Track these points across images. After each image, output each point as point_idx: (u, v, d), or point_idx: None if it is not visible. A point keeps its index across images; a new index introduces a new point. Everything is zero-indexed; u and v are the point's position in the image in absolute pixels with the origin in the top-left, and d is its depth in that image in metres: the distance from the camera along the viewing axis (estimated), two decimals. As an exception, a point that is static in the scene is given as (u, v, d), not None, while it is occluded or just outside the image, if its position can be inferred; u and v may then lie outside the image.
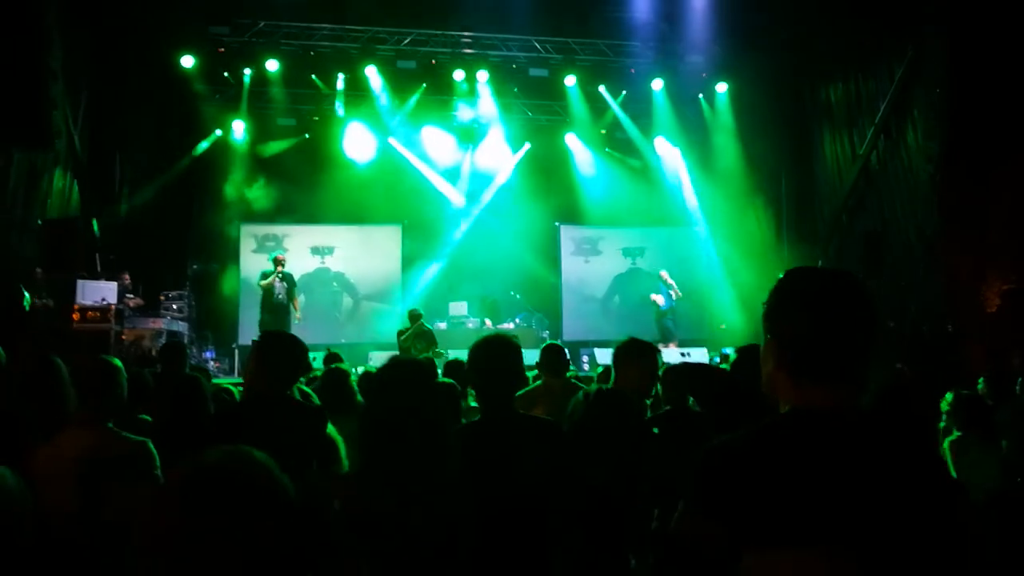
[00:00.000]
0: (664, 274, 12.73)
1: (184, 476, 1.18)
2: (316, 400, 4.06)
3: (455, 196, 14.34)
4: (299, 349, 3.41)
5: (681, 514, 1.47)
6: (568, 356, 4.84)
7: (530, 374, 5.39)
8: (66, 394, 3.33)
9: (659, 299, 12.55)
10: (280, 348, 3.35)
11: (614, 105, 14.42)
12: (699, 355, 10.89)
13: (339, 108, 13.57)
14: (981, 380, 4.90)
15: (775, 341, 1.48)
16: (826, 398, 1.41)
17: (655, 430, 3.41)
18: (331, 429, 3.59)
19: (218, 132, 13.30)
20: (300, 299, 11.75)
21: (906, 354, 9.28)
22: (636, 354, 3.52)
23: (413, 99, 13.78)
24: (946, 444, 4.14)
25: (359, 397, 4.40)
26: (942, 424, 4.61)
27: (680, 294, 12.61)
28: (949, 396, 4.30)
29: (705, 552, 1.42)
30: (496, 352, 2.70)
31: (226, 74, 13.06)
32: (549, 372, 4.56)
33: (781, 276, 1.53)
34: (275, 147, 13.77)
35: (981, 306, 9.57)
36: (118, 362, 3.18)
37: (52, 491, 2.75)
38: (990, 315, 9.47)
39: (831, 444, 1.37)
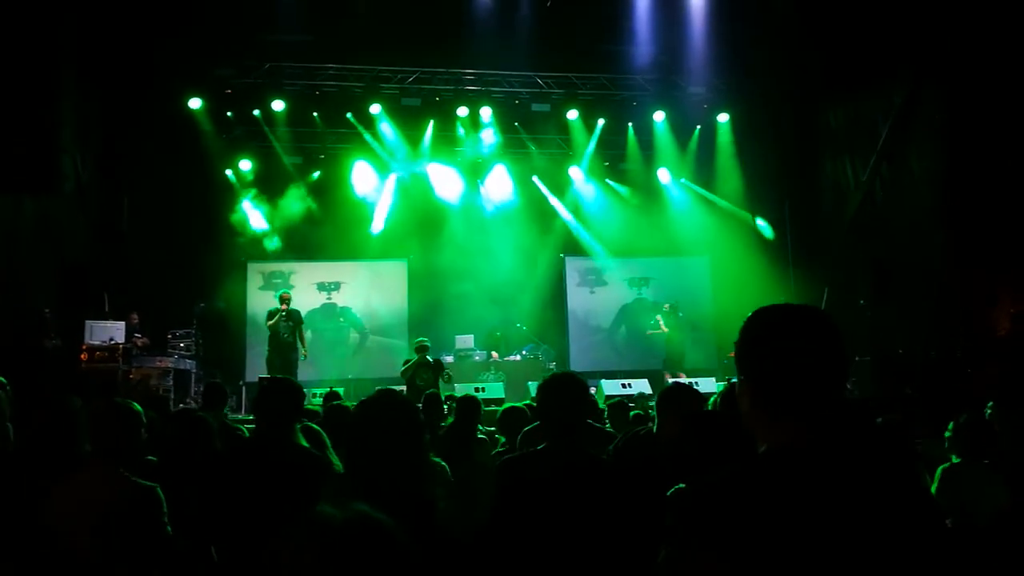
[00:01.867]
0: (667, 307, 12.86)
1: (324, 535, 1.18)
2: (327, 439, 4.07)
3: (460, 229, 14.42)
4: (295, 395, 3.46)
5: (664, 554, 1.45)
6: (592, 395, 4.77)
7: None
8: (79, 436, 3.35)
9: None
10: (276, 394, 3.41)
11: (616, 137, 14.58)
12: (707, 385, 10.82)
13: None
14: (990, 405, 4.84)
15: (748, 380, 1.48)
16: (802, 435, 1.40)
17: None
18: (339, 465, 3.60)
19: (228, 172, 13.48)
20: (307, 335, 11.77)
21: (915, 380, 9.22)
22: (681, 401, 3.36)
23: (421, 137, 13.97)
24: (939, 472, 4.05)
25: None
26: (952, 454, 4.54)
27: (666, 330, 12.62)
28: (950, 424, 4.25)
29: None
30: (564, 391, 2.80)
31: (233, 115, 13.24)
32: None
33: (749, 316, 1.53)
34: (281, 185, 13.90)
35: (991, 330, 9.52)
36: (137, 407, 3.20)
37: (65, 534, 2.75)
38: (1000, 339, 9.42)
39: (810, 484, 1.36)
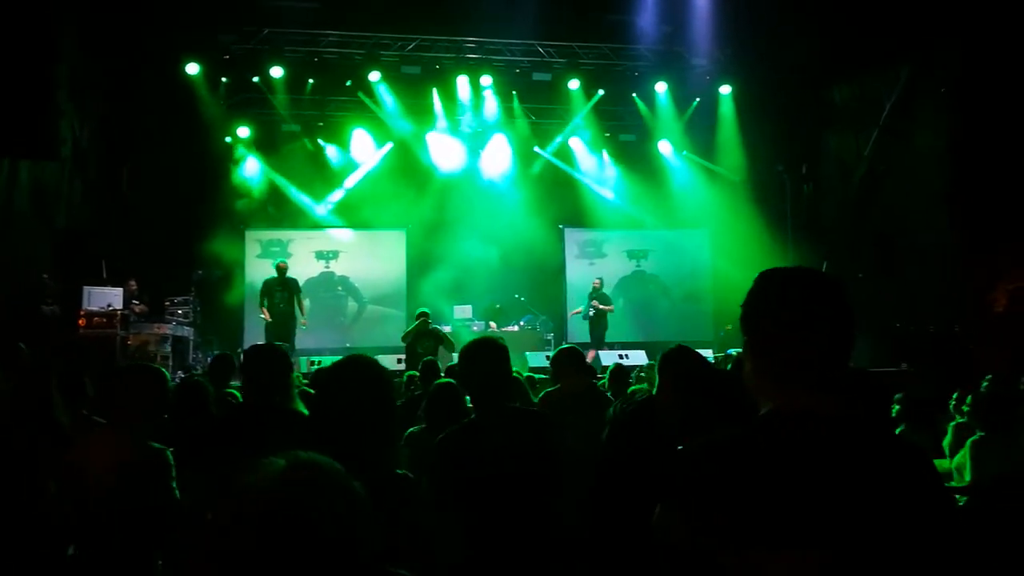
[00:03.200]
0: (596, 282, 12.81)
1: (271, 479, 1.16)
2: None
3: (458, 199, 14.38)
4: (281, 363, 3.46)
5: (659, 513, 1.46)
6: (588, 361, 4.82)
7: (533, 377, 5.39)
8: (53, 405, 3.37)
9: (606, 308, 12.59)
10: (261, 362, 3.41)
11: (617, 108, 14.47)
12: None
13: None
14: (986, 380, 4.86)
15: (753, 342, 1.47)
16: (806, 399, 1.39)
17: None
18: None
19: (227, 139, 13.39)
20: (306, 303, 11.78)
21: (912, 354, 9.25)
22: (683, 362, 3.43)
23: (421, 105, 13.86)
24: (968, 444, 4.10)
25: None
26: (957, 421, 4.58)
27: (606, 309, 12.60)
28: (968, 398, 4.28)
29: (681, 551, 1.40)
30: (485, 352, 2.85)
31: (232, 81, 13.11)
32: (565, 375, 4.50)
33: (756, 277, 1.50)
34: (280, 153, 13.84)
35: (989, 306, 9.54)
36: (164, 370, 3.22)
37: (80, 492, 2.78)
38: (997, 315, 9.44)
39: (811, 445, 1.35)
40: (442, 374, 5.94)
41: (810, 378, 1.40)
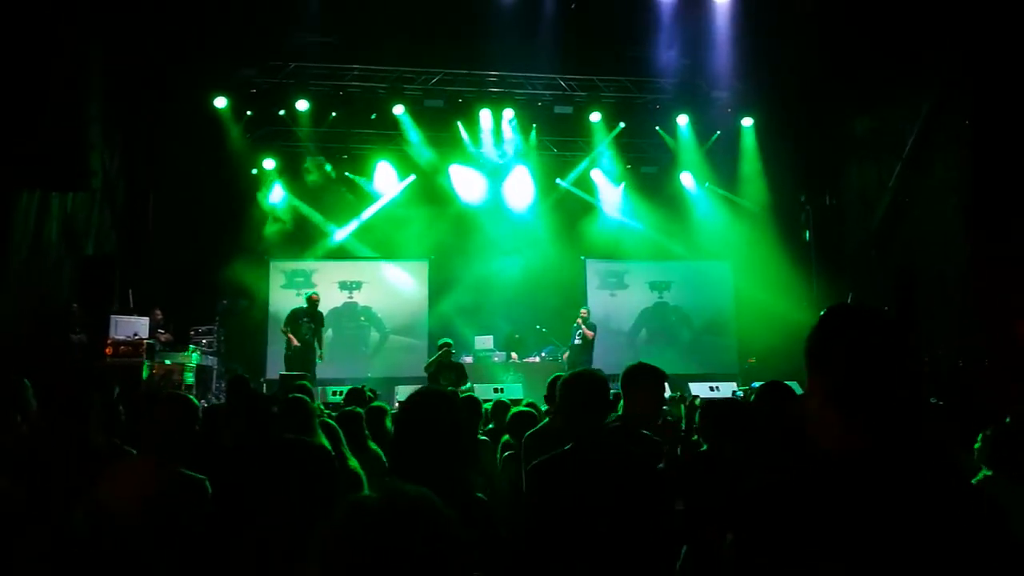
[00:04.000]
0: (584, 312, 12.41)
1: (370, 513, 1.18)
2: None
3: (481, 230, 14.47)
4: (262, 402, 3.50)
5: (730, 544, 1.44)
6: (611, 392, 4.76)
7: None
8: (92, 429, 3.40)
9: (588, 333, 12.28)
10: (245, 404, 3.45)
11: (639, 140, 14.55)
12: (728, 390, 10.75)
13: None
14: (1009, 418, 4.73)
15: (822, 378, 1.45)
16: (876, 440, 1.39)
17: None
18: (354, 463, 3.62)
19: (253, 171, 13.63)
20: (328, 334, 11.86)
21: (940, 389, 9.08)
22: (643, 379, 3.48)
23: (444, 138, 14.04)
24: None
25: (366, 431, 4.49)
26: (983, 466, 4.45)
27: (591, 335, 12.27)
28: (979, 436, 4.16)
29: None
30: (588, 386, 2.87)
31: (258, 114, 13.36)
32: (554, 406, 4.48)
33: (824, 312, 1.50)
34: (305, 184, 14.05)
35: (1017, 339, 9.36)
36: (194, 400, 3.25)
37: (114, 521, 2.79)
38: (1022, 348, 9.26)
39: (882, 488, 1.35)
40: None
41: (880, 418, 1.40)
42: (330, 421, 4.37)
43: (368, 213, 14.29)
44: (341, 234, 14.25)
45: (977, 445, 4.03)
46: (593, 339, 12.30)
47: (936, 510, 1.33)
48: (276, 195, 13.90)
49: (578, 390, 2.84)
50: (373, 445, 4.50)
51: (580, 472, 2.67)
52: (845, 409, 1.41)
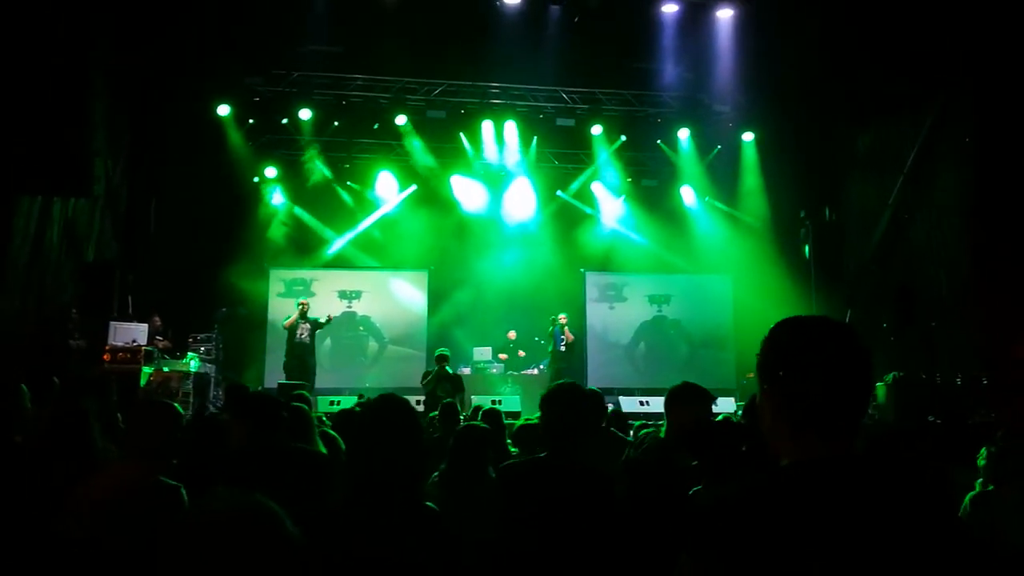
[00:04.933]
0: (562, 318, 12.34)
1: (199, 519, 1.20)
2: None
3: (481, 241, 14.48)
4: (272, 405, 3.50)
5: (682, 562, 1.43)
6: (606, 404, 4.78)
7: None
8: (92, 435, 3.38)
9: (570, 336, 12.19)
10: (255, 406, 3.45)
11: (640, 154, 14.60)
12: (727, 404, 10.73)
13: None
14: (999, 434, 4.71)
15: (774, 393, 1.45)
16: (828, 449, 1.39)
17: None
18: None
19: (255, 179, 13.65)
20: (326, 343, 11.88)
21: (940, 405, 9.08)
22: (687, 398, 3.44)
23: (446, 148, 14.09)
24: (967, 499, 3.97)
25: None
26: (979, 481, 4.44)
27: (572, 339, 12.25)
28: (982, 450, 4.15)
29: None
30: (566, 401, 2.88)
31: (260, 122, 13.40)
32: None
33: (774, 325, 1.50)
34: (306, 193, 14.08)
35: (1017, 357, 9.35)
36: (178, 407, 3.22)
37: (88, 529, 2.77)
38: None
39: (832, 496, 1.34)
40: (461, 417, 5.93)
41: (829, 427, 1.40)
42: (330, 431, 4.37)
43: (368, 222, 14.32)
44: (341, 243, 14.28)
45: (981, 462, 4.03)
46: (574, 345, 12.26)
47: (889, 519, 1.32)
48: (277, 207, 13.90)
49: (554, 402, 2.87)
50: None
51: (544, 480, 2.71)
52: (792, 422, 1.41)
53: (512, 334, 13.30)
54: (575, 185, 14.90)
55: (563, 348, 12.18)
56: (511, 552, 2.64)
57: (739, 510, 1.36)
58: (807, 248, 13.50)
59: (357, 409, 5.21)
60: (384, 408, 2.29)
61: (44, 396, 4.38)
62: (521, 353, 13.31)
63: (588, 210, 14.97)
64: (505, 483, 2.79)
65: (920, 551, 1.31)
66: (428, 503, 2.27)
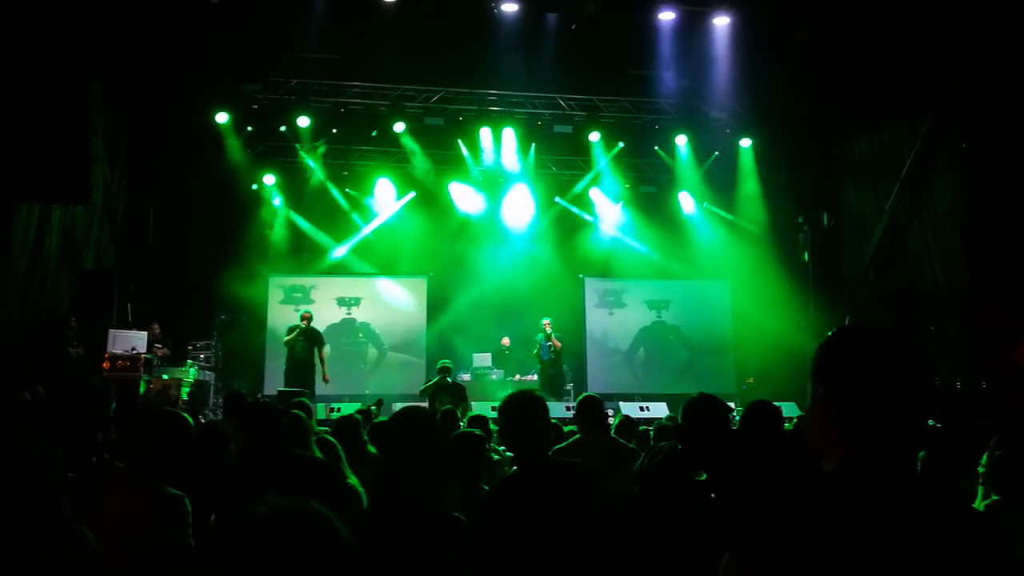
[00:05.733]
0: (546, 324, 12.35)
1: (244, 528, 1.17)
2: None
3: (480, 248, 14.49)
4: (272, 414, 3.51)
5: (726, 562, 1.44)
6: (607, 410, 4.77)
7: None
8: (87, 445, 3.38)
9: (557, 344, 12.18)
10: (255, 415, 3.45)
11: (638, 160, 14.64)
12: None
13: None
14: (994, 440, 4.70)
15: (827, 398, 1.46)
16: (877, 458, 1.40)
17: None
18: (353, 480, 3.62)
19: (253, 187, 13.66)
20: (327, 350, 11.81)
21: (938, 411, 9.07)
22: (704, 410, 3.43)
23: (444, 155, 14.13)
24: (981, 507, 3.98)
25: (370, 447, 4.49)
26: (981, 487, 4.44)
27: (560, 346, 12.25)
28: (983, 458, 4.15)
29: None
30: (527, 405, 2.87)
31: (259, 130, 13.42)
32: (587, 426, 4.46)
33: (835, 330, 1.53)
34: (305, 200, 14.09)
35: (1015, 362, 9.37)
36: (187, 417, 3.19)
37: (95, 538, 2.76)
38: (1022, 372, 9.26)
39: (882, 504, 1.35)
40: (462, 424, 5.93)
41: (877, 437, 1.41)
42: (328, 437, 4.37)
43: (367, 230, 14.33)
44: (340, 250, 14.29)
45: (981, 468, 4.02)
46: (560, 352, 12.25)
47: (935, 531, 1.34)
48: (276, 215, 13.90)
49: (519, 412, 2.86)
50: (373, 449, 4.49)
51: (523, 496, 2.71)
52: (848, 427, 1.42)
53: (506, 340, 13.29)
54: (574, 192, 14.92)
55: (549, 356, 12.13)
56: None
57: (785, 512, 1.37)
58: (805, 254, 13.54)
59: (358, 416, 5.21)
60: (408, 420, 2.36)
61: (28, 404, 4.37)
62: (506, 352, 13.28)
63: (587, 216, 14.99)
64: (491, 507, 2.76)
65: (959, 563, 1.33)
66: (455, 513, 2.30)
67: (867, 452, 1.40)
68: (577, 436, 4.51)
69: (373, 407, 7.50)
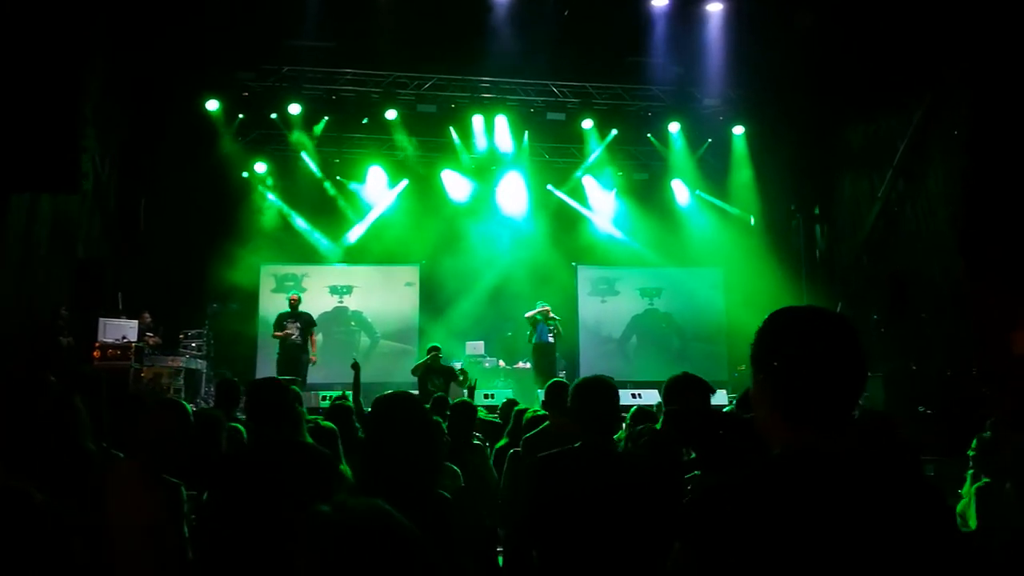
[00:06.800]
0: (547, 309, 12.19)
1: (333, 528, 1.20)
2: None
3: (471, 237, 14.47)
4: (288, 396, 3.49)
5: (675, 552, 1.44)
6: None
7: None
8: (81, 431, 3.37)
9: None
10: (269, 396, 3.42)
11: (631, 147, 14.61)
12: (720, 397, 10.76)
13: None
14: (989, 423, 4.75)
15: (767, 383, 1.46)
16: (816, 438, 1.40)
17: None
18: (344, 467, 3.63)
19: (244, 175, 13.59)
20: (318, 338, 11.81)
21: (930, 397, 9.14)
22: (685, 389, 3.49)
23: (436, 143, 14.07)
24: (972, 490, 4.02)
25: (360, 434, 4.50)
26: (970, 471, 4.49)
27: (560, 332, 12.17)
28: (973, 441, 4.20)
29: None
30: (601, 392, 2.95)
31: (250, 117, 13.33)
32: (558, 411, 4.48)
33: (768, 316, 1.51)
34: (296, 188, 14.02)
35: (1007, 349, 9.42)
36: (187, 406, 3.19)
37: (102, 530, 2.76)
38: (1018, 359, 9.31)
39: (822, 486, 1.36)
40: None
41: (820, 417, 1.41)
42: (326, 424, 4.36)
43: (366, 223, 14.26)
44: (332, 238, 14.23)
45: (971, 452, 4.07)
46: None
47: (879, 508, 1.34)
48: (267, 203, 13.84)
49: (596, 398, 2.92)
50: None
51: (584, 467, 2.76)
52: (787, 412, 1.42)
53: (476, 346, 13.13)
54: (566, 179, 14.89)
55: (550, 339, 12.07)
56: (552, 540, 2.68)
57: (730, 499, 1.38)
58: (799, 240, 13.57)
59: (339, 403, 5.24)
60: (391, 405, 2.38)
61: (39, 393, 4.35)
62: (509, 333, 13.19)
63: (579, 204, 14.97)
64: (542, 471, 2.81)
65: (906, 542, 1.33)
66: (441, 491, 2.37)
67: (809, 433, 1.40)
68: (547, 423, 4.53)
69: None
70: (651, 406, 5.42)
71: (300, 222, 14.07)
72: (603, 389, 2.94)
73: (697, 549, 1.39)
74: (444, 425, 4.39)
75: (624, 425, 5.07)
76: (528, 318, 12.26)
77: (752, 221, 14.12)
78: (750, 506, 1.35)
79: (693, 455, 3.61)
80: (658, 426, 3.54)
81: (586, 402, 2.92)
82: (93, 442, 3.49)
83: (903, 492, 1.38)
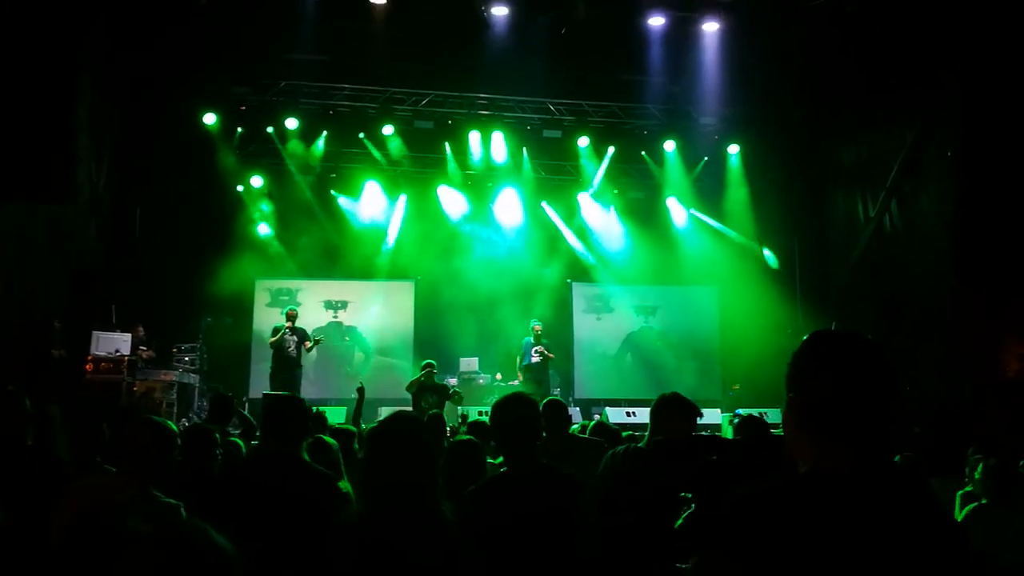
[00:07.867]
0: (536, 327, 12.21)
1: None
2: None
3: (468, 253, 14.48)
4: (304, 412, 3.48)
5: (709, 560, 1.44)
6: (569, 413, 4.79)
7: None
8: (55, 442, 3.36)
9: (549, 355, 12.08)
10: (287, 411, 3.41)
11: (626, 165, 14.67)
12: (712, 416, 10.75)
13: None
14: (971, 449, 4.75)
15: (799, 403, 1.48)
16: (849, 461, 1.41)
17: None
18: (345, 484, 3.60)
19: (239, 188, 13.58)
20: (312, 353, 11.78)
21: (923, 417, 9.14)
22: (671, 410, 3.47)
23: (432, 159, 14.10)
24: (965, 511, 4.02)
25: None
26: (967, 488, 4.48)
27: (551, 356, 12.14)
28: (979, 465, 4.19)
29: None
30: (517, 409, 2.92)
31: (247, 131, 13.35)
32: (548, 429, 4.47)
33: (806, 338, 1.55)
34: (292, 203, 14.01)
35: (1000, 370, 9.44)
36: (172, 425, 3.19)
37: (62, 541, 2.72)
38: (1009, 380, 9.34)
39: (851, 507, 1.36)
40: (461, 428, 5.90)
41: (856, 441, 1.42)
42: (328, 440, 4.32)
43: (362, 238, 14.24)
44: (328, 253, 14.17)
45: (977, 475, 4.07)
46: (549, 362, 12.17)
47: (907, 533, 1.35)
48: (263, 216, 13.82)
49: (510, 416, 2.90)
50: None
51: (512, 495, 2.73)
52: (817, 431, 1.44)
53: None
54: (562, 196, 14.93)
55: (536, 359, 12.01)
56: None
57: (772, 509, 1.38)
58: (793, 260, 13.61)
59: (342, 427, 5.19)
60: (393, 426, 2.38)
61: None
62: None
63: (575, 221, 14.99)
64: (468, 505, 2.73)
65: (930, 565, 1.34)
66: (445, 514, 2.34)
67: (839, 454, 1.41)
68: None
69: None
70: (644, 424, 5.41)
71: (295, 236, 14.03)
72: (514, 407, 2.92)
73: (737, 557, 1.37)
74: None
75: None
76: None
77: (766, 252, 14.09)
78: (772, 521, 1.36)
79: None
80: (642, 444, 3.53)
81: (499, 422, 2.91)
82: (71, 452, 3.48)
83: (928, 514, 1.40)
